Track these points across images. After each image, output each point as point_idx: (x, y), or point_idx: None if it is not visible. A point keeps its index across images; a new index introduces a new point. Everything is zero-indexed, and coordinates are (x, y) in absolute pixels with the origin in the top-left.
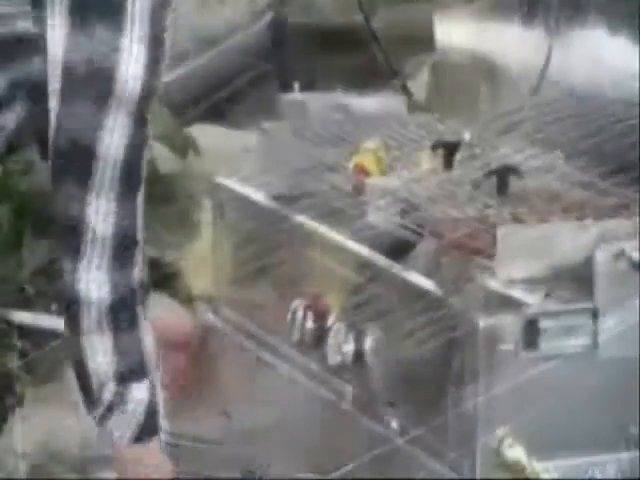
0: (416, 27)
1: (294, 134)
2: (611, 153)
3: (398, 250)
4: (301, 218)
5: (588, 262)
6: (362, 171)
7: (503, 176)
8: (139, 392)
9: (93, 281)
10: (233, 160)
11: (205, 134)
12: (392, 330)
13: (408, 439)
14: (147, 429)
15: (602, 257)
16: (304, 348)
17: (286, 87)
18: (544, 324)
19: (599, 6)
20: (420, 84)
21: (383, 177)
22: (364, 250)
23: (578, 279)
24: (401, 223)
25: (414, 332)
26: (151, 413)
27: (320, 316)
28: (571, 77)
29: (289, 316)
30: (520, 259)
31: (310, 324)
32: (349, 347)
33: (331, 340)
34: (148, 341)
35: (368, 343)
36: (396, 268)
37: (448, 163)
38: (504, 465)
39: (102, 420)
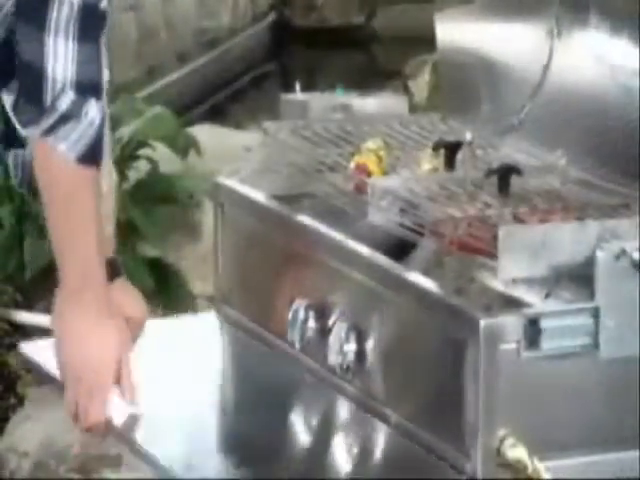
0: (416, 27)
1: (295, 134)
2: (612, 153)
3: (399, 250)
4: (302, 218)
5: (589, 262)
6: (363, 171)
7: (504, 176)
8: (95, 110)
9: None
10: (234, 160)
11: (206, 134)
12: (393, 330)
13: (409, 439)
14: (93, 152)
15: (603, 257)
16: (305, 348)
17: (287, 87)
18: (545, 324)
19: (602, 6)
20: (421, 84)
21: (384, 177)
22: (365, 250)
23: (579, 279)
24: (402, 223)
25: (415, 332)
26: (99, 139)
27: (321, 316)
28: (573, 77)
29: (290, 316)
30: (521, 259)
31: (311, 324)
32: (350, 347)
33: (332, 340)
34: (105, 70)
35: (369, 343)
36: (397, 268)
37: (449, 163)
38: (506, 465)
39: (51, 130)
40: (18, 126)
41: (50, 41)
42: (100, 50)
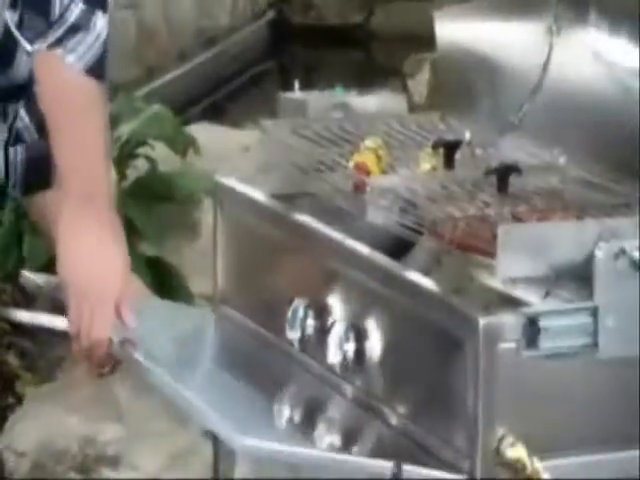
0: (415, 25)
1: (294, 133)
2: (612, 151)
3: (398, 249)
4: (301, 217)
5: (588, 261)
6: (362, 170)
7: (503, 175)
8: (102, 22)
9: None
10: (233, 159)
11: (205, 133)
12: (392, 329)
13: (408, 438)
14: (100, 65)
15: (602, 256)
16: (304, 347)
17: (286, 86)
18: (544, 323)
19: (601, 4)
20: (420, 83)
21: (383, 176)
22: (364, 249)
23: (578, 278)
24: (401, 222)
25: (414, 331)
26: (105, 53)
27: (320, 315)
28: (572, 75)
29: (289, 315)
30: (520, 258)
31: (310, 323)
32: (350, 346)
33: (332, 339)
34: None
35: (369, 342)
36: (396, 267)
37: (448, 162)
38: (505, 464)
39: (59, 41)
40: (24, 43)
41: None
42: None
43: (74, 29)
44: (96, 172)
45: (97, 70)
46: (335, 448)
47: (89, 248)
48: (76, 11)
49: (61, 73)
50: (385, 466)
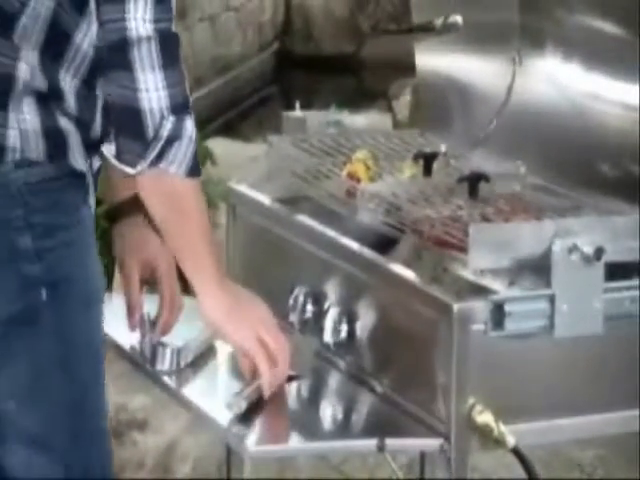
0: (399, 55)
1: (295, 146)
2: (565, 162)
3: (384, 245)
4: (301, 218)
5: (546, 255)
6: (354, 178)
7: (474, 182)
8: (190, 124)
9: (140, 19)
10: (243, 168)
11: (220, 146)
12: (379, 313)
13: (392, 406)
14: (197, 163)
15: (558, 251)
16: (304, 328)
17: (288, 106)
18: (509, 308)
19: (556, 37)
20: (403, 104)
21: (371, 183)
22: (355, 245)
23: (538, 270)
24: (386, 222)
25: (398, 315)
26: (196, 149)
27: (318, 301)
28: (532, 97)
29: (291, 301)
30: (488, 252)
31: (309, 308)
32: (343, 327)
33: (327, 322)
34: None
35: (359, 324)
36: (382, 260)
37: (427, 171)
38: (475, 428)
39: (159, 157)
40: (127, 169)
41: (140, 76)
42: (182, 68)
43: (169, 142)
44: (209, 254)
45: (196, 169)
46: (329, 414)
47: (230, 293)
48: (168, 126)
49: (166, 184)
50: (370, 443)
